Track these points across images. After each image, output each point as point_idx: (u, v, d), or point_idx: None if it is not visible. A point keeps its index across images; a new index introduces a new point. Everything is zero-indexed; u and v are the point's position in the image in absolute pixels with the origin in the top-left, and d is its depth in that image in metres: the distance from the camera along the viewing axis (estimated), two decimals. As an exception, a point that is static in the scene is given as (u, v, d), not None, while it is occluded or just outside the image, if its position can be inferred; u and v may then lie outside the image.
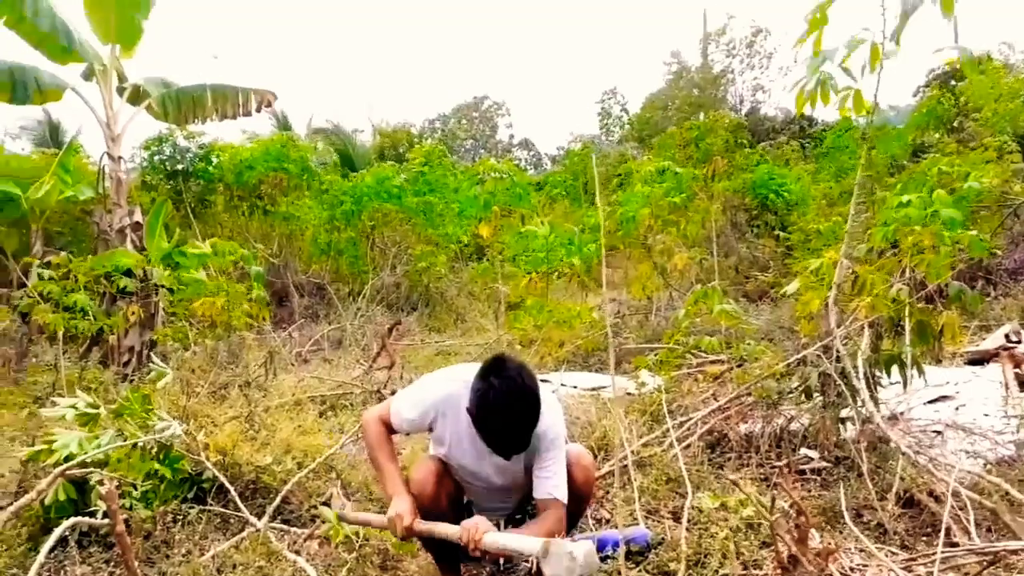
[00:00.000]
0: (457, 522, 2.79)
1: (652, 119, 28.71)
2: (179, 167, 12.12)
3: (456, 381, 2.58)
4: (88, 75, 8.45)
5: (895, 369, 4.13)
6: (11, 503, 3.38)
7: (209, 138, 12.49)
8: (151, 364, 5.55)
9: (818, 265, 4.12)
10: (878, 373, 4.22)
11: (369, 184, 11.53)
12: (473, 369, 2.48)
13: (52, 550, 2.93)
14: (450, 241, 11.82)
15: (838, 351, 3.86)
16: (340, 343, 7.94)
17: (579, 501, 2.74)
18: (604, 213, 11.39)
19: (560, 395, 5.22)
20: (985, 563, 2.45)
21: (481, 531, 2.37)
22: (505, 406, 2.28)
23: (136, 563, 2.66)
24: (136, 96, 9.00)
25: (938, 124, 11.97)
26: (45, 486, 2.98)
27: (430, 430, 2.70)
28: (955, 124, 12.00)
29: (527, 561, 2.49)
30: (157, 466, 3.65)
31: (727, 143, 11.84)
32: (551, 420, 2.52)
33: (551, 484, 2.50)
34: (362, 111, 51.88)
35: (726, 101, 29.06)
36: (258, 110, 9.83)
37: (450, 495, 2.71)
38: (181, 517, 3.38)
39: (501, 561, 2.92)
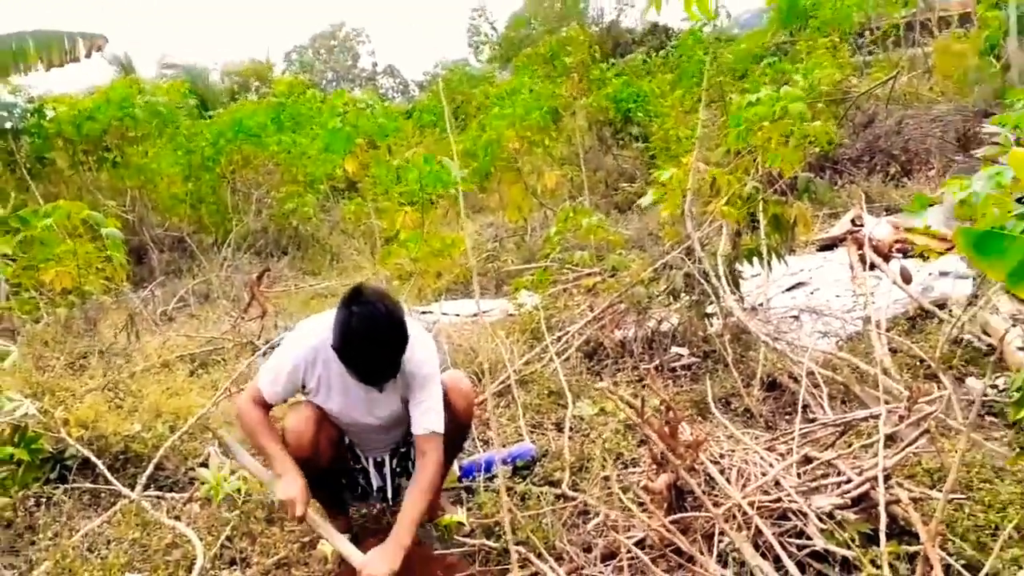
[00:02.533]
0: (340, 466, 2.75)
1: (517, 37, 28.33)
2: (7, 125, 10.93)
3: (311, 334, 2.50)
4: None
5: (756, 262, 4.36)
6: None
7: (40, 91, 11.32)
8: (-4, 344, 5.12)
9: (671, 174, 4.22)
10: (740, 268, 4.44)
11: (227, 125, 10.81)
12: (326, 317, 2.39)
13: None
14: (317, 180, 11.36)
15: (699, 252, 4.01)
16: (207, 297, 7.55)
17: (461, 428, 2.75)
18: (472, 137, 11.29)
19: (442, 324, 5.20)
20: (838, 433, 2.66)
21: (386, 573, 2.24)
22: (367, 330, 2.21)
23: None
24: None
25: (790, 22, 12.37)
26: None
27: (303, 388, 2.60)
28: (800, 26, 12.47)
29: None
30: (11, 450, 3.39)
31: (583, 60, 11.85)
32: (422, 354, 2.47)
33: (428, 419, 2.48)
34: (210, 52, 48.28)
35: (587, 14, 28.98)
36: (88, 55, 9.00)
37: (330, 438, 2.65)
38: (44, 500, 3.18)
39: (390, 497, 2.92)
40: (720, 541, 2.15)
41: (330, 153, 11.46)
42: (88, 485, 3.33)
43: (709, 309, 4.22)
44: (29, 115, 11.03)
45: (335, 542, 2.45)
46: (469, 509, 2.88)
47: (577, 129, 10.97)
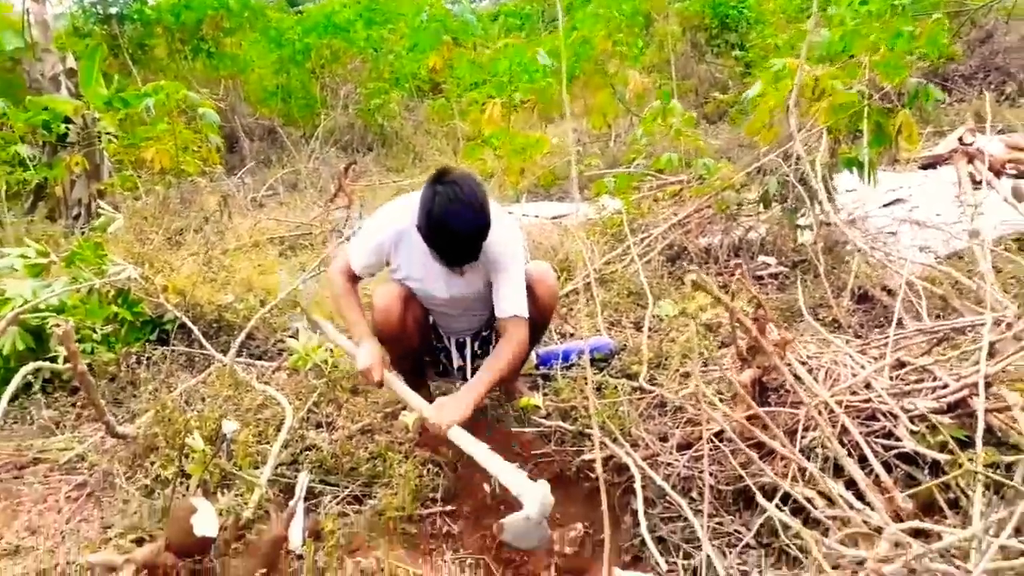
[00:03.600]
0: (425, 343, 2.81)
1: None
2: (112, 10, 11.22)
3: (399, 211, 2.51)
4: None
5: (851, 176, 4.13)
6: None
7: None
8: (100, 211, 5.38)
9: (780, 67, 3.98)
10: (836, 179, 4.23)
11: (316, 20, 10.79)
12: (414, 197, 2.39)
13: (16, 398, 2.93)
14: (403, 77, 11.30)
15: (797, 156, 3.82)
16: (295, 187, 7.72)
17: (543, 317, 2.74)
18: (562, 37, 10.93)
19: (523, 224, 5.18)
20: (934, 341, 2.54)
21: (447, 425, 2.30)
22: (449, 211, 2.20)
23: (103, 403, 2.67)
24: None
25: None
26: (1, 329, 2.91)
27: (388, 264, 2.64)
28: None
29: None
30: (116, 309, 3.60)
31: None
32: (506, 236, 2.46)
33: (510, 302, 2.49)
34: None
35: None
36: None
37: (416, 318, 2.70)
38: (145, 359, 3.38)
39: (469, 376, 2.98)
40: (803, 437, 2.12)
41: (416, 52, 11.37)
42: (184, 348, 3.52)
43: (802, 221, 4.05)
44: (133, 3, 11.28)
45: (410, 399, 2.52)
46: (545, 395, 2.92)
47: (669, 34, 10.46)
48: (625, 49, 8.98)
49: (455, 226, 2.23)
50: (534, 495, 2.01)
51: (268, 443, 2.59)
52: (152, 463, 2.47)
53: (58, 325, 3.08)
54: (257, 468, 2.47)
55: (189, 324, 3.49)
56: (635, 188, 5.48)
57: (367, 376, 2.56)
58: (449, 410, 2.33)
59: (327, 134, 9.53)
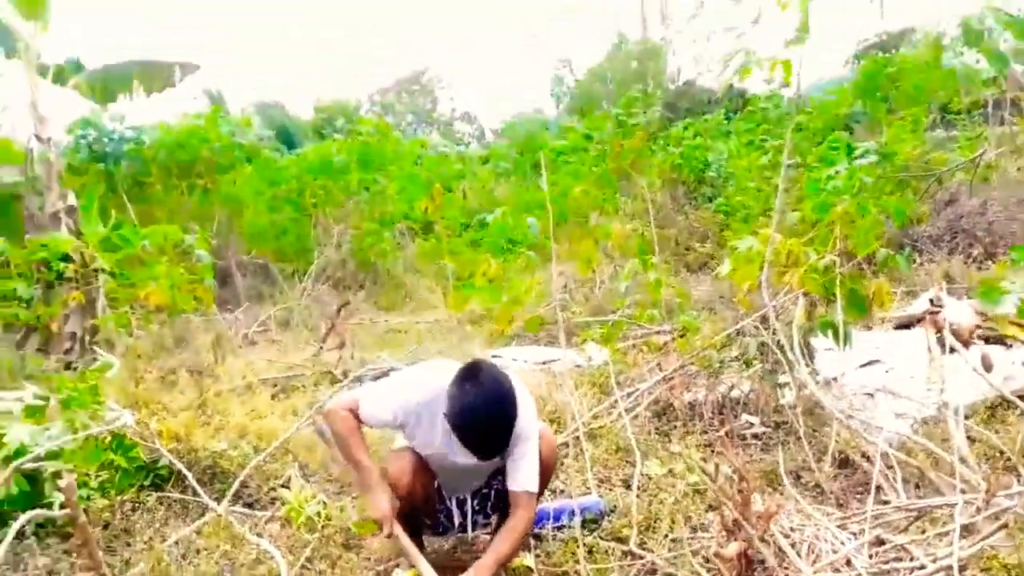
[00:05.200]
0: (431, 509, 2.88)
1: (592, 91, 28.77)
2: (107, 149, 11.75)
3: (424, 384, 2.62)
4: (9, 54, 8.09)
5: (831, 335, 4.36)
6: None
7: (139, 119, 12.18)
8: (96, 355, 5.47)
9: (748, 244, 4.29)
10: (813, 340, 4.45)
11: (311, 161, 11.37)
12: (445, 369, 2.52)
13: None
14: (394, 219, 11.77)
15: (773, 323, 4.05)
16: (287, 324, 7.89)
17: (545, 475, 2.83)
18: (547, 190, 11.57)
19: (512, 370, 5.33)
20: (912, 518, 2.67)
21: None
22: (484, 414, 2.34)
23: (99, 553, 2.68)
24: (60, 76, 8.70)
25: (872, 92, 12.30)
26: (4, 479, 2.95)
27: (400, 427, 2.74)
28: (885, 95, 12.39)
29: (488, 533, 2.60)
30: (112, 456, 3.64)
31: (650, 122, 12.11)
32: (526, 417, 2.57)
33: (526, 477, 2.58)
34: (299, 87, 50.50)
35: (664, 73, 29.26)
36: (181, 80, 9.65)
37: (424, 485, 2.77)
38: (139, 505, 3.40)
39: (470, 532, 3.03)
40: (790, 614, 2.19)
41: (406, 194, 11.93)
42: (178, 495, 3.54)
43: (782, 379, 4.24)
44: (129, 141, 11.84)
45: (419, 564, 2.57)
46: (537, 556, 2.96)
47: (647, 185, 11.10)
48: (601, 203, 9.52)
49: (489, 426, 2.37)
50: None
51: (263, 603, 2.61)
52: (146, 622, 2.46)
53: (57, 475, 3.14)
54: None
55: (185, 472, 3.53)
56: (621, 337, 5.69)
57: (380, 525, 2.63)
58: None
59: (319, 271, 9.81)
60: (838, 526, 2.56)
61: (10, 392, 3.95)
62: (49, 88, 8.18)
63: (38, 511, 2.92)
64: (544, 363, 6.03)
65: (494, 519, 2.97)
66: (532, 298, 6.91)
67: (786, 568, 2.35)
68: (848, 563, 2.27)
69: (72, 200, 7.55)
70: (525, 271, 8.10)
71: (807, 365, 4.04)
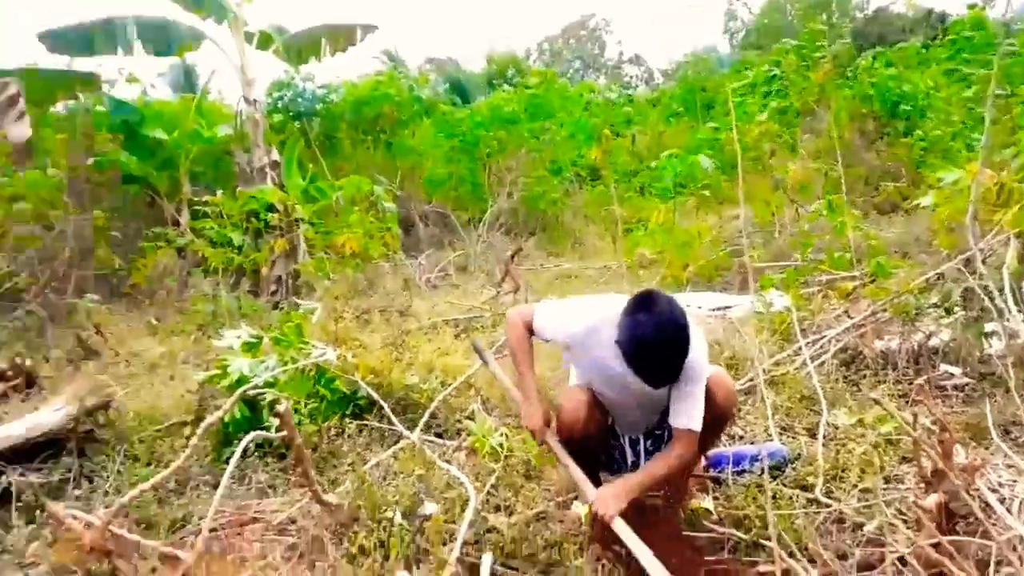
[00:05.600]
0: (605, 446, 2.96)
1: (770, 25, 26.98)
2: (301, 108, 12.73)
3: (599, 311, 2.67)
4: (219, 22, 8.89)
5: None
6: (194, 419, 3.87)
7: (326, 78, 13.05)
8: (300, 303, 6.03)
9: (956, 177, 3.91)
10: (1027, 287, 4.03)
11: (484, 114, 11.66)
12: (620, 301, 2.54)
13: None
14: (564, 166, 11.84)
15: (979, 266, 3.70)
16: (465, 268, 8.25)
17: (721, 420, 2.80)
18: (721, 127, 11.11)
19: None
20: None
21: (611, 514, 2.48)
22: (658, 341, 2.34)
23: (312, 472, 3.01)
24: (264, 41, 9.44)
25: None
26: (230, 405, 3.36)
27: (567, 347, 2.84)
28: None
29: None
30: (318, 387, 4.04)
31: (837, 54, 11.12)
32: (696, 352, 2.55)
33: (687, 416, 2.58)
34: (470, 41, 51.51)
35: (851, 0, 26.80)
36: (362, 40, 10.13)
37: (598, 422, 2.85)
38: (342, 432, 3.75)
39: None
40: (997, 572, 2.06)
41: (575, 141, 11.93)
42: (376, 424, 3.87)
43: (989, 328, 3.88)
44: (320, 100, 12.71)
45: (573, 471, 2.72)
46: (716, 499, 2.96)
47: (834, 122, 10.32)
48: (781, 141, 9.00)
49: (662, 355, 2.38)
50: None
51: (454, 522, 2.82)
52: (355, 532, 2.74)
53: (276, 402, 3.53)
54: (445, 545, 2.70)
55: (381, 402, 3.84)
56: (803, 283, 5.43)
57: (533, 433, 2.82)
58: (608, 501, 2.50)
59: (493, 219, 10.10)
60: (1057, 484, 2.35)
61: (230, 331, 4.46)
62: (252, 53, 8.89)
63: (259, 432, 3.32)
64: (720, 309, 5.89)
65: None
66: (706, 243, 6.75)
67: (994, 524, 2.20)
68: (1068, 523, 2.09)
69: (275, 156, 8.28)
70: (697, 216, 7.91)
71: (1021, 312, 3.67)
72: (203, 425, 3.32)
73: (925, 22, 20.17)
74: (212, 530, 2.89)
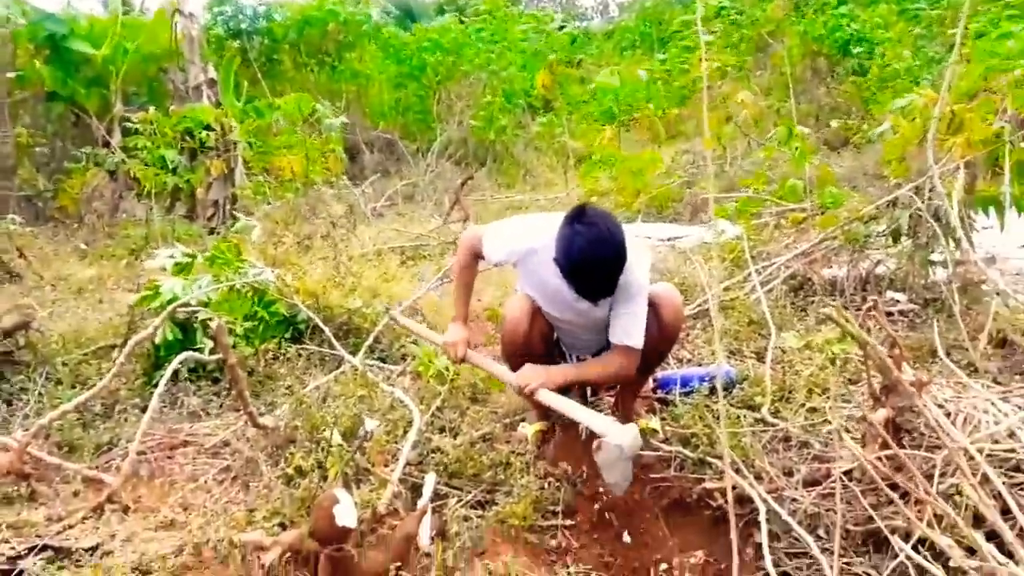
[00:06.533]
0: (550, 360, 2.88)
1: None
2: (243, 26, 12.08)
3: (538, 230, 2.57)
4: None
5: (990, 213, 3.95)
6: (123, 343, 3.67)
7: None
8: (237, 219, 5.76)
9: (909, 103, 3.86)
10: (972, 216, 4.05)
11: (432, 39, 11.24)
12: (554, 222, 2.44)
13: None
14: (514, 95, 11.55)
15: (931, 191, 3.69)
16: (412, 198, 8.03)
17: (666, 340, 2.73)
18: (672, 59, 10.93)
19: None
20: (1085, 395, 2.42)
21: (535, 385, 2.49)
22: (591, 252, 2.27)
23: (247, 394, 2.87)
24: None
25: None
26: (159, 323, 3.17)
27: (515, 265, 2.75)
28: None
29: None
30: (256, 308, 3.86)
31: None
32: (636, 269, 2.48)
33: (626, 332, 2.52)
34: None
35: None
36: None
37: (543, 333, 2.76)
38: (281, 355, 3.60)
39: (588, 393, 3.05)
40: (940, 483, 2.06)
41: (526, 71, 11.63)
42: (316, 348, 3.73)
43: (935, 256, 3.90)
44: (261, 19, 12.08)
45: (493, 369, 2.79)
46: (663, 419, 2.94)
47: (787, 57, 10.24)
48: (734, 70, 8.90)
49: (595, 266, 2.29)
50: (625, 432, 2.24)
51: (397, 443, 2.73)
52: (291, 454, 2.63)
53: (210, 319, 3.35)
54: (387, 466, 2.61)
55: (321, 325, 3.69)
56: (755, 214, 5.41)
57: (449, 351, 2.83)
58: (531, 377, 2.53)
59: (442, 148, 9.83)
60: (1000, 398, 2.36)
61: (162, 251, 4.23)
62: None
63: (191, 353, 3.15)
64: (670, 239, 5.85)
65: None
66: (657, 171, 6.67)
67: (937, 439, 2.20)
68: (1011, 435, 2.10)
69: (212, 73, 7.82)
70: (646, 145, 7.81)
71: (967, 239, 3.69)
72: (129, 343, 3.14)
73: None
74: (140, 453, 2.75)
